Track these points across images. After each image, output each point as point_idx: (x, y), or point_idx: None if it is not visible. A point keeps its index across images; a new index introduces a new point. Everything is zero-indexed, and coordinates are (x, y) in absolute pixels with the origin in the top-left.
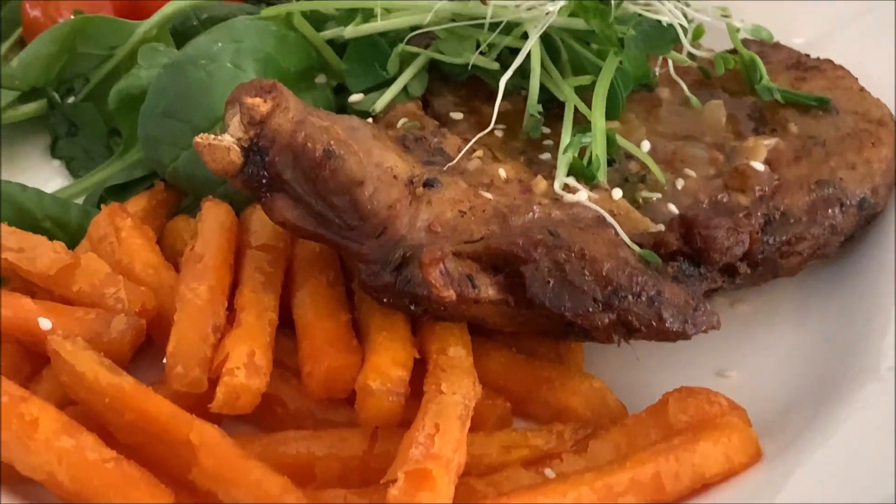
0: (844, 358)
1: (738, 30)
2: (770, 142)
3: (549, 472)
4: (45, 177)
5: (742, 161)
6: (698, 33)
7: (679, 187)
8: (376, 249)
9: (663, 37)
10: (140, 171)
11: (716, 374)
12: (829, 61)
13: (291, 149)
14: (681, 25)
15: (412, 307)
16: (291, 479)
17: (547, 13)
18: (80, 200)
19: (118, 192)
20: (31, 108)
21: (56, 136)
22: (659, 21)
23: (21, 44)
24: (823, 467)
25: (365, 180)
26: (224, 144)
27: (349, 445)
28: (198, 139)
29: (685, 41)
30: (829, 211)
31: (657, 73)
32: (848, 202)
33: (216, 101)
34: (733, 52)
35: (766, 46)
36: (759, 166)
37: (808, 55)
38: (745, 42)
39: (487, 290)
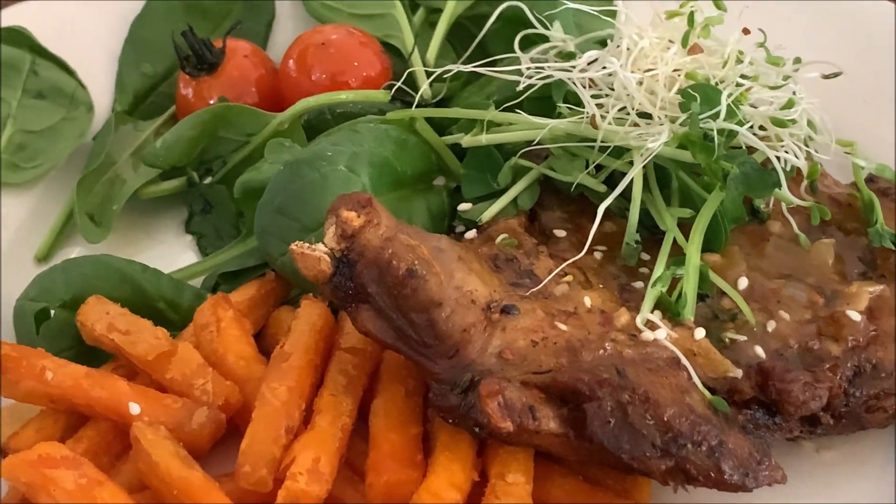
0: None
1: (862, 167)
2: (875, 289)
3: None
4: (178, 249)
5: (841, 307)
6: (814, 172)
7: (770, 330)
8: (447, 370)
9: (763, 181)
10: (254, 259)
11: None
12: None
13: (377, 264)
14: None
15: (476, 430)
16: None
17: (653, 143)
18: (201, 279)
19: (234, 277)
20: (171, 185)
21: (191, 212)
22: (765, 161)
23: (173, 119)
24: None
25: (443, 302)
26: (316, 254)
27: None
28: (293, 246)
29: (784, 187)
30: None
31: (770, 206)
32: None
33: (325, 203)
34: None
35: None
36: (855, 316)
37: None
38: (873, 177)
39: (549, 422)
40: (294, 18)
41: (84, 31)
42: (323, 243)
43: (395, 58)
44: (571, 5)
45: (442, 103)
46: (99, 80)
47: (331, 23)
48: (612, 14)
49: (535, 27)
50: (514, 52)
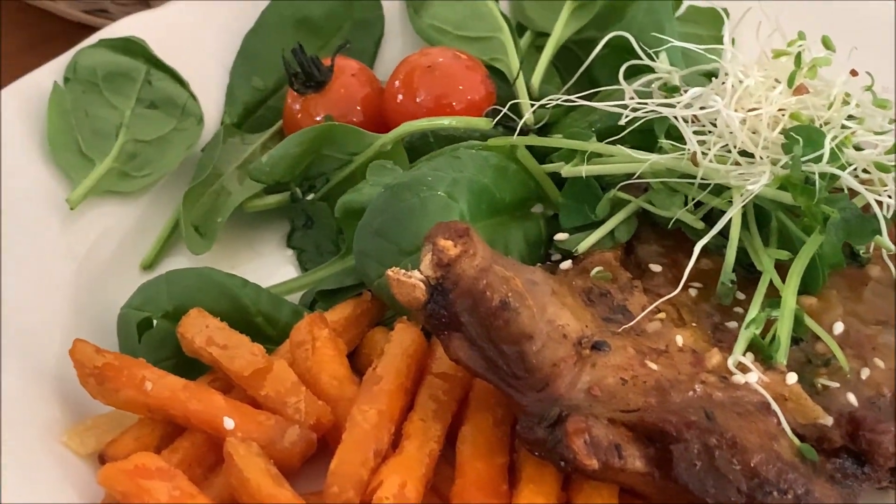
0: None
1: None
2: None
3: None
4: (278, 263)
5: None
6: None
7: (863, 377)
8: (535, 403)
9: (864, 228)
10: (352, 279)
11: None
12: None
13: (472, 294)
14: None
15: (562, 464)
16: None
17: (753, 185)
18: (299, 295)
19: (330, 295)
20: (274, 199)
21: (293, 227)
22: (862, 210)
23: (280, 133)
24: None
25: (535, 335)
26: (411, 281)
27: None
28: (390, 272)
29: (885, 233)
30: None
31: (870, 250)
32: None
33: (424, 228)
34: None
35: None
36: None
37: None
38: None
39: (634, 461)
40: (402, 35)
41: (197, 43)
42: (419, 270)
43: (499, 81)
44: (678, 43)
45: (544, 129)
46: (209, 92)
47: (438, 43)
48: (720, 41)
49: (640, 57)
50: (618, 80)
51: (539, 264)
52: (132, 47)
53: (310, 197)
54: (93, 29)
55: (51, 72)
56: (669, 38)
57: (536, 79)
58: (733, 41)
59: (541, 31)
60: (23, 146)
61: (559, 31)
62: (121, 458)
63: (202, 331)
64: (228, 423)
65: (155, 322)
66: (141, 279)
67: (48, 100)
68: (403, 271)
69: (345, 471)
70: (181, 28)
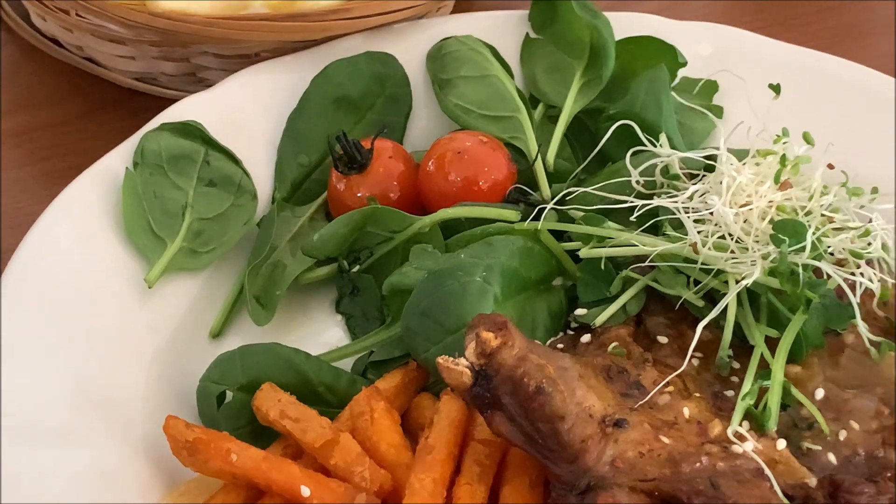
0: None
1: None
2: None
3: None
4: (329, 326)
5: None
6: (885, 294)
7: (841, 438)
8: (568, 473)
9: (840, 315)
10: (399, 350)
11: None
12: None
13: (512, 380)
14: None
15: None
16: None
17: (747, 278)
18: (351, 360)
19: (380, 363)
20: (324, 271)
21: (341, 294)
22: (840, 299)
23: (325, 205)
24: None
25: (566, 416)
26: (459, 369)
27: None
28: (440, 360)
29: (858, 318)
30: None
31: None
32: None
33: (465, 310)
34: None
35: None
36: None
37: None
38: None
39: None
40: (427, 107)
41: (248, 123)
42: (465, 357)
43: (518, 157)
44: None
45: (560, 201)
46: (260, 169)
47: (463, 121)
48: (712, 110)
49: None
50: (624, 151)
51: (561, 334)
52: (191, 130)
53: (355, 269)
54: (143, 95)
55: (119, 155)
56: (668, 117)
57: (551, 154)
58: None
59: (552, 104)
60: (102, 229)
61: (570, 107)
62: None
63: (275, 405)
64: (305, 491)
65: (231, 394)
66: (210, 347)
67: (122, 184)
68: (452, 359)
69: None
70: (233, 109)
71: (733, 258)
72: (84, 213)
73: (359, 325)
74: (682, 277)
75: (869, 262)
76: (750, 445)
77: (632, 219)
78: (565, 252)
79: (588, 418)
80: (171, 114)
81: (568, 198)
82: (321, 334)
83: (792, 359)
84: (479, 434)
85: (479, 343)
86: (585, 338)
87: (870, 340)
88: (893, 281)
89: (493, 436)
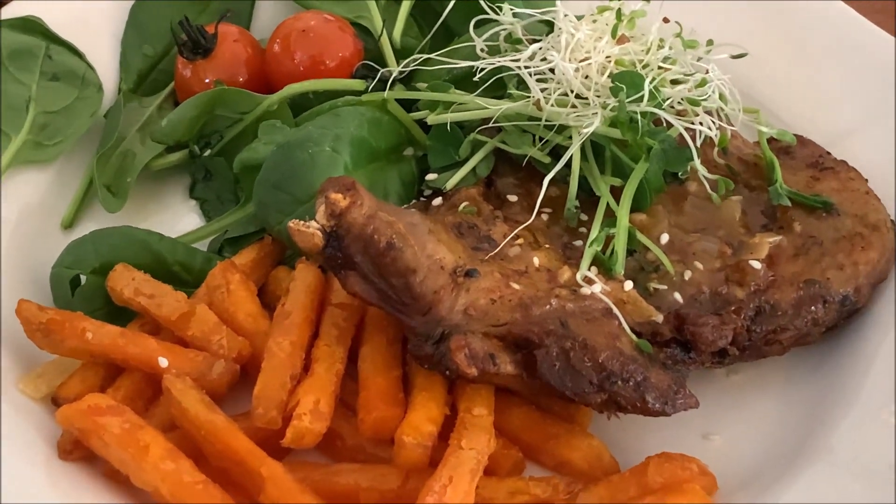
0: (808, 435)
1: (765, 132)
2: (774, 239)
3: None
4: (183, 213)
5: (745, 256)
6: (723, 140)
7: (686, 278)
8: (422, 325)
9: (679, 157)
10: (253, 226)
11: (702, 436)
12: (844, 163)
13: (362, 239)
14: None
15: (447, 373)
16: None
17: (588, 127)
18: (206, 241)
19: (235, 241)
20: (175, 157)
21: (194, 180)
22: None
23: (173, 94)
24: None
25: (417, 269)
26: (310, 231)
27: (388, 480)
28: (291, 224)
29: (697, 159)
30: (813, 307)
31: (689, 169)
32: (831, 299)
33: (315, 180)
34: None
35: (795, 143)
36: (756, 264)
37: (828, 153)
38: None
39: (506, 366)
40: None
41: (89, 17)
42: (315, 220)
43: (364, 36)
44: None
45: (408, 79)
46: (104, 61)
47: (307, 4)
48: None
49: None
50: (470, 26)
51: (414, 201)
52: (31, 25)
53: (206, 153)
54: None
55: None
56: None
57: (397, 32)
58: None
59: None
60: None
61: None
62: (72, 400)
63: (129, 283)
64: (163, 362)
65: (85, 278)
66: (63, 238)
67: None
68: (303, 222)
69: (267, 394)
70: (74, 4)
71: (575, 112)
72: None
73: (213, 208)
74: (527, 136)
75: (709, 113)
76: (598, 287)
77: (476, 79)
78: (414, 122)
79: (439, 270)
80: (11, 10)
81: (415, 72)
82: (176, 221)
83: (637, 208)
84: (336, 298)
85: (329, 204)
86: (437, 201)
87: (708, 181)
88: (731, 128)
89: (350, 300)
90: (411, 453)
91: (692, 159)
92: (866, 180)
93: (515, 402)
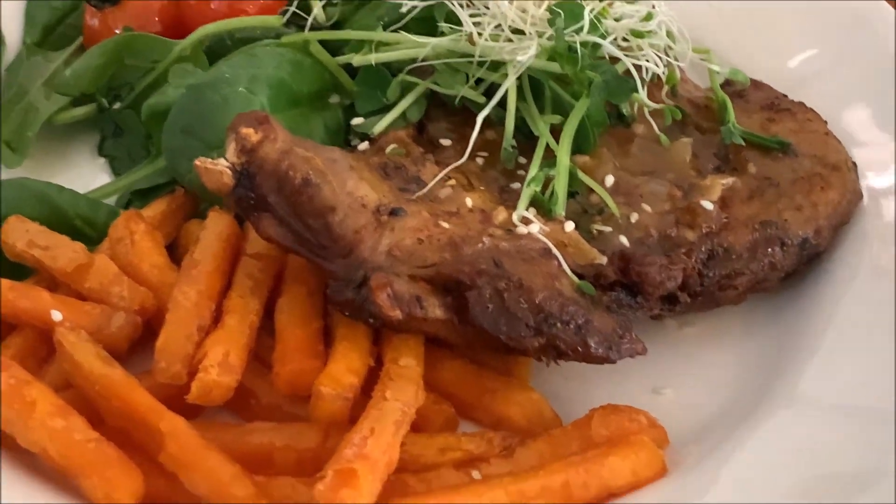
0: (765, 386)
1: (717, 72)
2: (727, 181)
3: (475, 474)
4: (92, 172)
5: (697, 198)
6: (672, 77)
7: (633, 221)
8: (342, 268)
9: (622, 87)
10: (164, 177)
11: (652, 391)
12: (802, 104)
13: (276, 175)
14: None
15: (371, 320)
16: (252, 466)
17: (523, 56)
18: (114, 198)
19: (145, 194)
20: (81, 111)
21: (103, 136)
22: (628, 69)
23: (82, 49)
24: (719, 489)
25: (337, 207)
26: (218, 168)
27: (305, 438)
28: (197, 162)
29: (642, 91)
30: (770, 249)
31: (635, 110)
32: (790, 242)
33: (228, 123)
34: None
35: (749, 86)
36: (708, 205)
37: (785, 96)
38: (728, 83)
39: (435, 310)
40: None
41: None
42: (225, 158)
43: None
44: None
45: (336, 26)
46: (9, 16)
47: None
48: None
49: None
50: None
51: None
52: None
53: (116, 106)
54: None
55: None
56: None
57: None
58: None
59: None
60: None
61: None
62: None
63: (23, 235)
64: (56, 316)
65: None
66: None
67: None
68: (210, 160)
69: (171, 347)
70: None
71: (511, 46)
72: None
73: (124, 166)
74: (461, 76)
75: (657, 52)
76: (536, 227)
77: (405, 20)
78: (340, 68)
79: (361, 208)
80: None
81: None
82: (84, 180)
83: (580, 150)
84: (252, 249)
85: (239, 139)
86: (363, 145)
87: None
88: (680, 65)
89: (268, 250)
90: (330, 405)
91: (636, 90)
92: (825, 122)
93: (448, 356)
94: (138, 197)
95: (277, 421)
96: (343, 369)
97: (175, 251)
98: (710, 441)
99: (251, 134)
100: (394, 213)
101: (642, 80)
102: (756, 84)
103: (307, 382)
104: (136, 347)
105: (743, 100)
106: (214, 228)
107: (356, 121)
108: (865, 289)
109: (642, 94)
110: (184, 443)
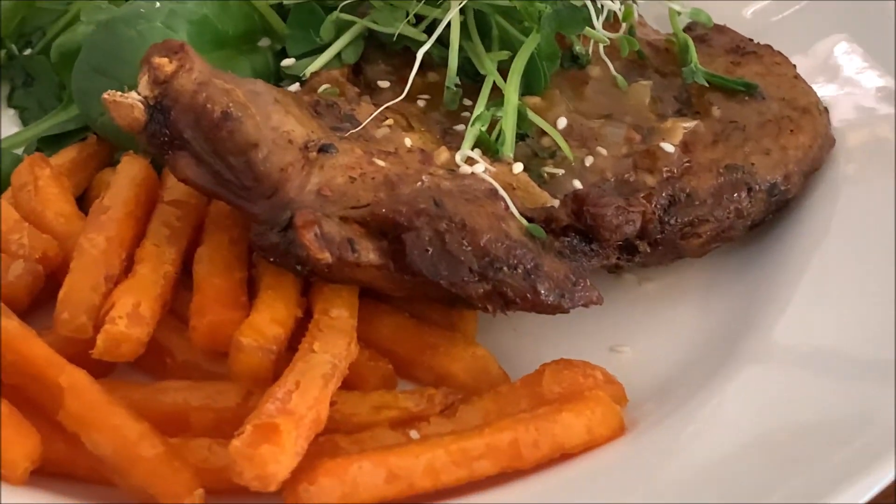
0: (733, 341)
1: (678, 13)
2: (689, 124)
3: (413, 434)
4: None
5: (657, 142)
6: (628, 14)
7: (587, 164)
8: (267, 210)
9: (574, 17)
10: (75, 124)
11: (609, 349)
12: (769, 47)
13: (192, 109)
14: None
15: (298, 267)
16: (166, 427)
17: None
18: (22, 149)
19: (55, 143)
20: None
21: (13, 86)
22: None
23: None
24: (684, 447)
25: (260, 143)
26: (129, 102)
27: (224, 398)
28: (106, 95)
29: (597, 23)
30: (736, 195)
31: (590, 51)
32: (757, 187)
33: None
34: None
35: (712, 29)
36: (669, 148)
37: (751, 40)
38: (692, 25)
39: (368, 254)
40: None
41: None
42: (136, 91)
43: None
44: None
45: None
46: None
47: None
48: None
49: None
50: None
51: None
52: None
53: (27, 52)
54: None
55: None
56: None
57: None
58: None
59: None
60: None
61: None
62: None
63: None
64: None
65: None
66: None
67: None
68: (120, 93)
69: (75, 297)
70: None
71: None
72: None
73: (34, 117)
74: (400, 13)
75: None
76: (481, 167)
77: None
78: (271, 9)
79: (287, 144)
80: None
81: None
82: None
83: (531, 91)
84: (170, 196)
85: (152, 70)
86: (294, 87)
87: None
88: (634, 4)
89: (188, 197)
90: (251, 358)
91: (590, 21)
92: (794, 65)
93: (386, 310)
94: (47, 145)
95: (194, 380)
96: (267, 319)
97: (86, 202)
98: (674, 400)
99: (165, 64)
100: (323, 149)
101: (597, 11)
102: (719, 28)
103: (227, 336)
104: (42, 304)
105: (706, 44)
106: (127, 173)
107: (287, 62)
108: (841, 237)
109: (598, 26)
110: (85, 399)
